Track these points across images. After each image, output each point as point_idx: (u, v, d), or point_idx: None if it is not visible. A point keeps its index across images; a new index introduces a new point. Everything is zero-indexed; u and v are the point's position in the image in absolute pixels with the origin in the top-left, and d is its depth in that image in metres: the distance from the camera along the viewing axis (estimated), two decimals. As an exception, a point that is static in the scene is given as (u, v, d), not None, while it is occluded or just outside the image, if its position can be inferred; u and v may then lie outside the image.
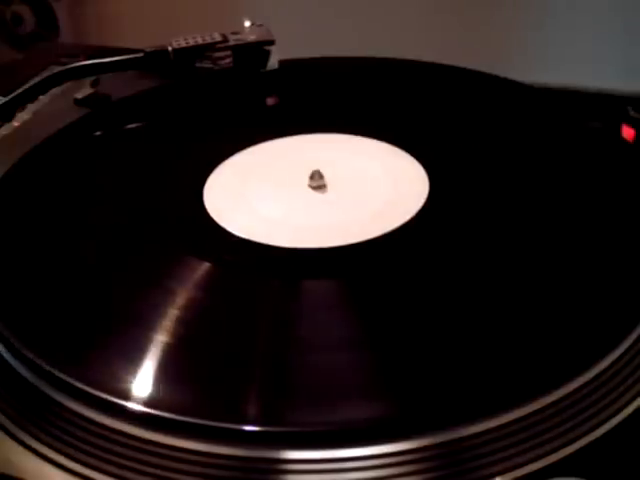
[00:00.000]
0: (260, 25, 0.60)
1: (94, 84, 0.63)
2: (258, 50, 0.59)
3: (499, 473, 0.34)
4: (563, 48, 0.84)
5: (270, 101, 0.59)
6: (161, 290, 0.42)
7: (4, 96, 0.58)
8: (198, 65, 0.60)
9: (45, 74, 0.59)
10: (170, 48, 0.58)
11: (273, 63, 0.59)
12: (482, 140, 0.53)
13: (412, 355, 0.38)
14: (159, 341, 0.39)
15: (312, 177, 0.49)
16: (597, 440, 0.35)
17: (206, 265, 0.44)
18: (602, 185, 0.48)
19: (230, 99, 0.59)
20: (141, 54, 0.59)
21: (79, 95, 0.62)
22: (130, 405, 0.36)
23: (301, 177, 0.50)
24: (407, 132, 0.54)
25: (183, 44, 0.58)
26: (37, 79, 0.59)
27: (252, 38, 0.59)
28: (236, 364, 0.38)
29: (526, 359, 0.37)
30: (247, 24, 0.60)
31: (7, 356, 0.40)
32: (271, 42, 0.59)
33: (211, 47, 0.59)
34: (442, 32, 0.85)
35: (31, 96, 0.59)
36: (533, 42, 0.85)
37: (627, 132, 0.53)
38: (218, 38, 0.59)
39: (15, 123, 0.60)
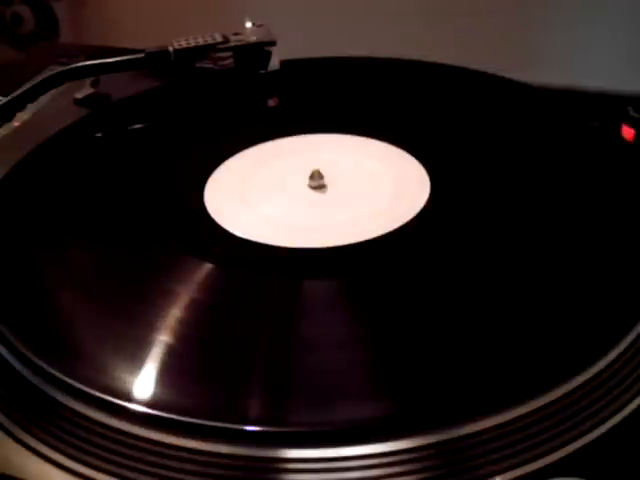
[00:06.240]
0: (261, 25, 0.60)
1: (94, 84, 0.63)
2: (259, 51, 0.59)
3: (498, 472, 0.34)
4: (563, 48, 0.84)
5: (271, 102, 0.59)
6: (162, 290, 0.42)
7: (4, 96, 0.58)
8: (199, 65, 0.60)
9: (45, 74, 0.59)
10: (171, 49, 0.58)
11: (274, 64, 0.59)
12: (482, 140, 0.53)
13: (411, 355, 0.38)
14: (160, 341, 0.39)
15: (312, 177, 0.49)
16: (597, 440, 0.35)
17: (207, 265, 0.44)
18: (602, 185, 0.48)
19: (231, 99, 0.59)
20: (142, 54, 0.59)
21: (79, 95, 0.62)
22: (131, 405, 0.36)
23: (301, 177, 0.50)
24: (408, 132, 0.54)
25: (184, 45, 0.58)
26: (37, 79, 0.59)
27: (253, 39, 0.59)
28: (236, 364, 0.38)
29: (526, 358, 0.37)
30: (248, 25, 0.60)
31: (8, 356, 0.40)
32: (272, 43, 0.59)
33: (212, 48, 0.59)
34: (442, 32, 0.85)
35: (31, 96, 0.59)
36: (533, 42, 0.84)
37: (627, 132, 0.53)
38: (219, 39, 0.59)
39: (15, 123, 0.60)
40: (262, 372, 0.38)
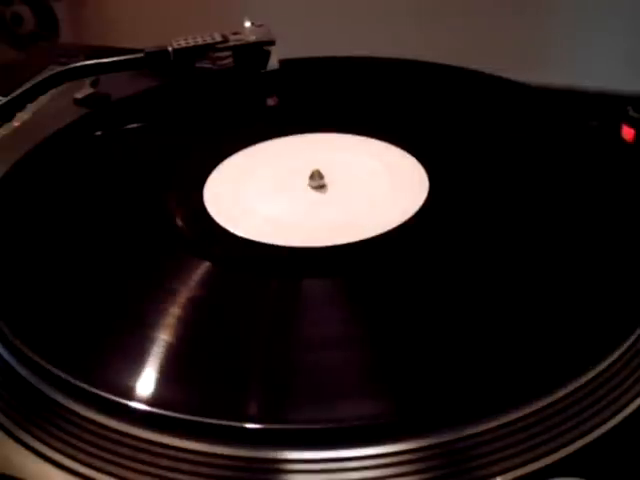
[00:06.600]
0: (260, 25, 0.60)
1: (94, 84, 0.63)
2: (258, 50, 0.59)
3: (499, 473, 0.34)
4: (563, 48, 0.84)
5: (270, 102, 0.59)
6: (161, 290, 0.42)
7: (4, 96, 0.58)
8: (198, 65, 0.60)
9: (45, 74, 0.59)
10: (170, 48, 0.58)
11: (273, 63, 0.59)
12: (482, 140, 0.53)
13: (412, 355, 0.38)
14: (160, 341, 0.39)
15: (312, 177, 0.49)
16: (597, 440, 0.35)
17: (206, 265, 0.44)
18: (602, 185, 0.48)
19: (230, 99, 0.59)
20: (141, 54, 0.59)
21: (79, 95, 0.62)
22: (131, 404, 0.36)
23: (301, 177, 0.50)
24: (407, 132, 0.54)
25: (183, 44, 0.58)
26: (37, 79, 0.59)
27: (252, 38, 0.59)
28: (236, 363, 0.38)
29: (526, 359, 0.37)
30: (247, 24, 0.60)
31: (7, 356, 0.40)
32: (271, 42, 0.59)
33: (211, 47, 0.59)
34: (442, 32, 0.85)
35: (31, 96, 0.59)
36: (533, 42, 0.85)
37: (627, 132, 0.53)
38: (218, 38, 0.59)
39: (15, 123, 0.60)
40: (262, 372, 0.38)
